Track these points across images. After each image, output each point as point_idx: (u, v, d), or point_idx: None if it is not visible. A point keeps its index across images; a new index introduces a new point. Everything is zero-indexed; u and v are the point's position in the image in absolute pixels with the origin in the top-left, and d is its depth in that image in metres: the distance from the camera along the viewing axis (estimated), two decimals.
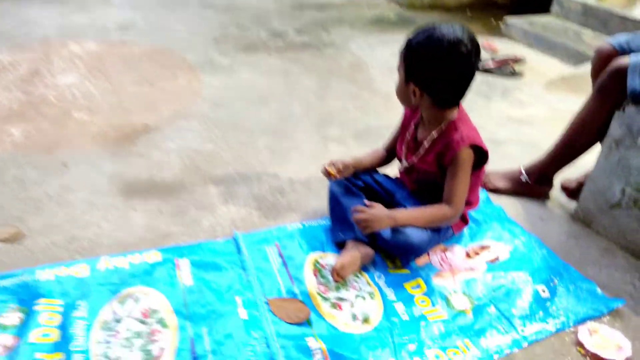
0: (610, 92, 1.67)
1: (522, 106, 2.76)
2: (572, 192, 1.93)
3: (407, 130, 1.59)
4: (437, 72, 1.36)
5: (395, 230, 1.46)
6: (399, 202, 1.60)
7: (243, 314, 1.32)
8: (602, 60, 1.78)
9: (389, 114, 2.50)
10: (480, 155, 1.46)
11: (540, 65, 3.28)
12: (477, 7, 4.48)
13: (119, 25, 3.51)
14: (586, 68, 3.12)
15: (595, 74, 1.84)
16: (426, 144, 1.50)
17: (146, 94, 2.56)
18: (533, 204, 1.89)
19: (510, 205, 1.86)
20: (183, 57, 3.03)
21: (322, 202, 1.79)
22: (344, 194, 1.62)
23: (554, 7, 3.95)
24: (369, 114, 2.51)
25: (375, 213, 1.43)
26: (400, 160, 1.64)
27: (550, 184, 1.91)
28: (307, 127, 2.34)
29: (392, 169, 1.72)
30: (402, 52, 1.43)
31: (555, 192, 1.95)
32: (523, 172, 1.90)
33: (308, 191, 1.88)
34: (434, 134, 1.48)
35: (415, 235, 1.45)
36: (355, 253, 1.48)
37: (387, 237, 1.46)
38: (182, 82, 2.73)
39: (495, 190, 1.91)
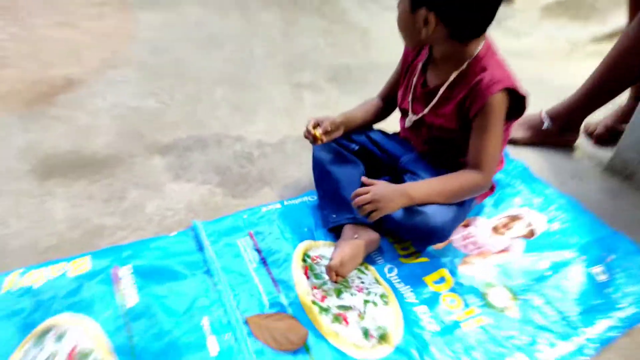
0: None
1: (517, 36, 2.38)
2: (599, 137, 1.60)
3: (412, 74, 1.19)
4: None
5: (409, 209, 1.09)
6: (405, 167, 1.23)
7: (213, 345, 0.94)
8: None
9: (369, 52, 2.08)
10: (516, 102, 1.09)
11: None
12: None
13: None
14: None
15: None
16: (441, 90, 1.11)
17: (67, 40, 2.03)
18: (558, 157, 1.55)
19: (532, 160, 1.52)
20: None
21: (304, 170, 1.39)
22: (334, 161, 1.23)
23: None
24: (345, 52, 2.08)
25: (383, 192, 1.05)
26: (403, 113, 1.25)
27: (577, 131, 1.57)
28: (273, 73, 1.90)
29: (390, 124, 1.33)
30: None
31: (581, 140, 1.61)
32: (546, 118, 1.55)
33: (284, 156, 1.47)
34: (453, 76, 1.09)
35: (438, 214, 1.08)
36: (356, 242, 1.11)
37: (399, 219, 1.09)
38: (113, 22, 2.20)
39: (513, 142, 1.56)
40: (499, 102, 1.06)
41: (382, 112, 1.32)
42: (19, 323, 0.95)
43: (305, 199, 1.30)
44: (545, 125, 1.54)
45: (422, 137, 1.21)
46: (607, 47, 2.32)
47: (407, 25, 1.06)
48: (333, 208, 1.19)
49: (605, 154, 1.56)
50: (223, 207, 1.28)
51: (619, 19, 2.44)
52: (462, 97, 1.09)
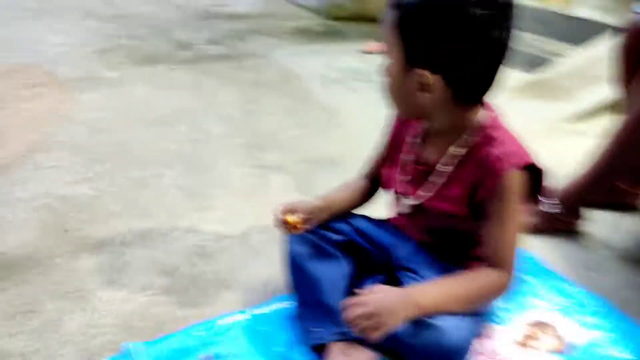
0: None
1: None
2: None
3: (402, 149, 0.98)
4: (462, 42, 0.78)
5: (416, 322, 0.82)
6: (401, 263, 0.97)
7: None
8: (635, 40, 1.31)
9: (340, 132, 1.89)
10: (534, 181, 0.88)
11: None
12: None
13: None
14: (551, 72, 2.77)
15: (632, 58, 1.36)
16: (442, 167, 0.90)
17: None
18: (569, 246, 1.33)
19: (540, 250, 1.29)
20: (53, 73, 2.23)
21: (274, 268, 1.11)
22: (313, 257, 0.96)
23: None
24: (313, 131, 1.88)
25: (383, 302, 0.79)
26: (396, 196, 1.02)
27: (581, 215, 1.38)
28: (233, 153, 1.66)
29: (373, 209, 1.09)
30: (392, 20, 0.83)
31: (596, 227, 1.41)
32: (550, 201, 1.35)
33: (248, 251, 1.19)
34: (456, 149, 0.88)
35: (455, 329, 0.81)
36: None
37: (404, 336, 0.82)
38: (48, 103, 1.94)
39: None
40: (515, 181, 0.85)
41: (368, 194, 1.08)
42: None
43: (278, 305, 1.01)
44: (546, 207, 1.35)
45: (421, 225, 0.98)
46: (585, 126, 2.30)
47: (399, 88, 0.86)
48: (315, 319, 0.91)
49: (619, 236, 1.36)
50: (168, 321, 0.98)
51: (592, 97, 2.39)
52: (470, 175, 0.87)
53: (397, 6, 0.82)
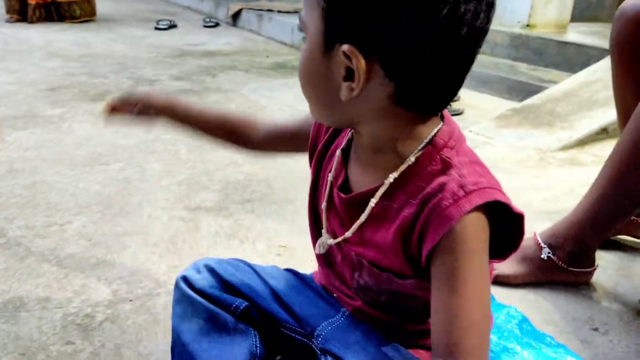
0: None
1: (479, 147, 2.02)
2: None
3: (325, 165, 0.70)
4: (413, 9, 0.50)
5: None
6: (325, 344, 0.68)
7: None
8: (636, 26, 1.07)
9: (297, 164, 1.64)
10: (505, 225, 0.59)
11: (480, 102, 2.62)
12: None
13: None
14: (542, 98, 2.55)
15: (623, 50, 1.12)
16: (373, 201, 0.62)
17: None
18: (568, 299, 1.05)
19: (532, 306, 1.02)
20: None
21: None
22: (206, 335, 0.68)
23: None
24: (267, 166, 1.64)
25: None
26: (315, 229, 0.73)
27: (591, 261, 1.09)
28: (165, 194, 1.41)
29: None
30: None
31: (599, 272, 1.12)
32: (543, 245, 1.07)
33: (149, 318, 0.92)
34: (393, 176, 0.60)
35: None
36: None
37: None
38: None
39: (502, 281, 1.07)
40: (476, 230, 0.56)
41: (252, 141, 0.82)
42: None
43: None
44: (544, 255, 1.07)
45: (347, 277, 0.69)
46: (580, 154, 2.05)
47: (315, 79, 0.58)
48: None
49: (631, 285, 1.09)
50: None
51: (585, 123, 2.15)
52: (411, 214, 0.58)
53: None
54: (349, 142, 0.66)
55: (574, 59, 2.91)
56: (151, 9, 5.81)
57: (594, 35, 3.31)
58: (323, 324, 0.70)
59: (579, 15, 4.52)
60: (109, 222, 1.24)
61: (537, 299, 1.04)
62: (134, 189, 1.43)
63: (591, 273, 1.09)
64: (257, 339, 0.70)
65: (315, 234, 0.72)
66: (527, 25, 3.22)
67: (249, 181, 1.53)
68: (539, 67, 3.05)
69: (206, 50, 3.62)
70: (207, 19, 4.97)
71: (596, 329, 0.96)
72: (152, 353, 0.84)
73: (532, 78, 2.81)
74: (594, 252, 1.08)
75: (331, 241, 0.67)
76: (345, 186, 0.66)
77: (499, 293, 1.02)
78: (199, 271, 0.70)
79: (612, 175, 0.99)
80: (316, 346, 0.69)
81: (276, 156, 1.45)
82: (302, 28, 0.58)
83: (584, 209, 1.04)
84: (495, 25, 3.24)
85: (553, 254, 1.05)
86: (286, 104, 2.39)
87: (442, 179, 0.57)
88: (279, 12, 4.49)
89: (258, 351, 0.70)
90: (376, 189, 0.60)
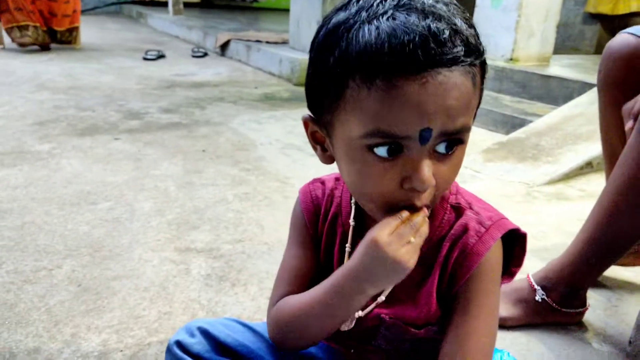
0: None
1: (464, 182, 2.05)
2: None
3: (335, 239, 0.69)
4: None
5: None
6: None
7: None
8: (626, 64, 1.10)
9: (287, 204, 1.65)
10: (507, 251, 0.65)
11: None
12: None
13: None
14: (526, 132, 2.60)
15: (615, 89, 1.15)
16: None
17: None
18: (559, 340, 1.06)
19: (524, 347, 1.02)
20: None
21: None
22: None
23: None
24: (259, 205, 1.64)
25: None
26: None
27: (583, 301, 1.10)
28: (156, 236, 1.40)
29: None
30: None
31: (589, 313, 1.14)
32: (537, 287, 1.08)
33: None
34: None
35: None
36: None
37: None
38: None
39: (499, 323, 1.07)
40: (495, 259, 0.62)
41: None
42: None
43: None
44: (539, 297, 1.08)
45: (375, 343, 0.69)
46: (566, 188, 2.08)
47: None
48: None
49: (620, 325, 1.10)
50: None
51: (570, 157, 2.20)
52: (443, 262, 0.62)
53: None
54: (355, 211, 0.67)
55: (557, 91, 2.98)
56: (139, 38, 5.86)
57: (575, 67, 3.40)
58: None
59: (561, 45, 4.65)
60: (99, 266, 1.23)
61: (529, 341, 1.04)
62: (123, 230, 1.43)
63: (583, 313, 1.10)
64: None
65: None
66: (511, 59, 3.30)
67: (240, 219, 1.53)
68: (523, 99, 3.12)
69: (195, 82, 3.64)
70: (196, 49, 5.02)
71: None
72: None
73: (517, 111, 2.87)
74: (585, 292, 1.09)
75: (360, 313, 0.66)
76: None
77: None
78: (192, 335, 0.69)
79: (601, 220, 1.01)
80: None
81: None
82: None
83: (575, 250, 1.05)
84: None
85: (547, 296, 1.07)
86: (274, 137, 2.41)
87: (461, 222, 0.61)
88: (267, 42, 4.55)
89: None
90: None
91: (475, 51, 0.50)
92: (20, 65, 3.82)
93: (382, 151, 0.51)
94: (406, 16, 0.48)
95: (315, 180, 0.73)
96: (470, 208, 0.62)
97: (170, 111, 2.78)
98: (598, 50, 4.66)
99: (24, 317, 1.04)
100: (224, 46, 4.91)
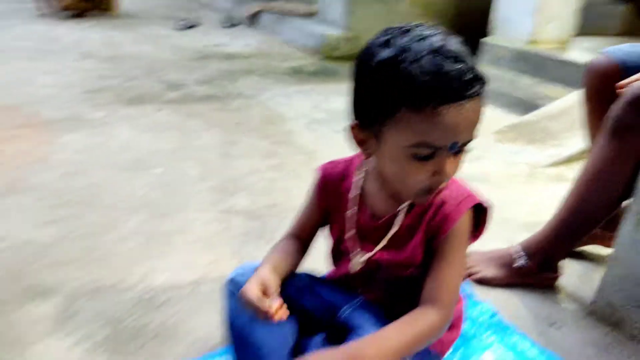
0: (633, 131, 1.15)
1: (471, 160, 2.25)
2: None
3: (344, 205, 0.94)
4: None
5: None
6: (346, 322, 0.93)
7: None
8: (601, 81, 1.29)
9: (311, 173, 1.88)
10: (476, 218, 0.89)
11: None
12: None
13: None
14: (537, 115, 2.76)
15: (593, 100, 1.35)
16: (398, 220, 0.87)
17: None
18: (534, 299, 1.29)
19: (503, 303, 1.26)
20: (38, 114, 2.28)
21: (218, 321, 1.09)
22: (254, 320, 0.91)
23: (483, 55, 3.65)
24: (288, 176, 1.88)
25: None
26: (343, 256, 0.97)
27: (556, 269, 1.33)
28: (202, 198, 1.66)
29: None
30: None
31: (564, 278, 1.36)
32: (519, 253, 1.31)
33: (195, 302, 1.17)
34: (405, 204, 0.87)
35: None
36: None
37: None
38: (26, 145, 1.97)
39: (483, 281, 1.31)
40: (465, 224, 0.86)
41: (302, 255, 1.01)
42: None
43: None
44: (519, 263, 1.31)
45: (374, 282, 0.94)
46: (567, 170, 2.27)
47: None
48: None
49: (588, 288, 1.32)
50: None
51: (575, 141, 2.37)
52: (426, 222, 0.86)
53: None
54: (363, 182, 0.91)
55: (574, 75, 3.11)
56: (171, 5, 6.04)
57: (595, 52, 3.50)
58: (343, 308, 0.94)
59: (585, 26, 4.69)
60: (158, 222, 1.49)
61: (508, 298, 1.28)
62: (173, 192, 1.68)
63: (555, 278, 1.33)
64: (289, 324, 0.94)
65: (337, 259, 0.98)
66: (530, 42, 3.42)
67: (271, 188, 1.77)
68: (539, 82, 3.25)
69: (226, 53, 3.85)
70: (226, 20, 5.19)
71: (553, 324, 1.20)
72: (200, 326, 1.09)
73: (533, 93, 3.02)
74: (557, 262, 1.32)
75: (363, 259, 0.91)
76: (371, 215, 0.91)
77: (478, 291, 1.26)
78: (244, 274, 0.93)
79: (571, 205, 1.23)
80: (338, 323, 0.93)
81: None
82: None
83: (550, 228, 1.28)
84: (499, 40, 3.46)
85: (526, 263, 1.30)
86: (301, 112, 2.62)
87: (441, 197, 0.85)
88: (296, 15, 4.70)
89: (291, 334, 0.93)
90: (395, 211, 0.87)
91: (484, 82, 0.74)
92: (64, 33, 4.06)
93: (422, 156, 0.75)
94: (442, 60, 0.70)
95: (331, 162, 0.98)
96: (448, 187, 0.84)
97: (205, 83, 3.01)
98: (623, 32, 4.69)
99: (102, 259, 1.30)
100: (254, 17, 5.08)
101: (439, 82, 0.70)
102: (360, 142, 0.83)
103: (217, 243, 1.41)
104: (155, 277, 1.24)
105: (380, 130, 0.77)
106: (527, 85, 3.20)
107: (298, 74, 3.43)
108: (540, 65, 3.28)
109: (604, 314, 1.22)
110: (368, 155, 0.84)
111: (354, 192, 0.92)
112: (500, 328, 1.14)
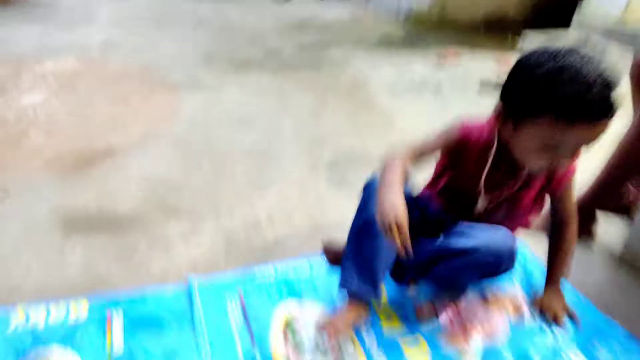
0: None
1: None
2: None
3: (485, 159, 1.11)
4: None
5: (464, 235, 1.10)
6: (454, 229, 1.16)
7: None
8: None
9: (387, 134, 2.18)
10: None
11: None
12: (491, 23, 4.17)
13: (103, 43, 3.27)
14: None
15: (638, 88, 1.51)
16: (523, 171, 1.11)
17: (117, 114, 2.27)
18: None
19: (536, 244, 1.51)
20: (166, 76, 2.76)
21: (303, 242, 1.46)
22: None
23: (575, 22, 3.65)
24: (365, 134, 2.19)
25: (560, 304, 1.25)
26: (471, 198, 1.18)
27: (593, 219, 1.56)
28: (296, 151, 2.02)
29: None
30: None
31: (604, 233, 1.58)
32: None
33: (289, 228, 1.54)
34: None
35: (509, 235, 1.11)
36: (351, 315, 1.13)
37: (472, 245, 1.06)
38: (160, 102, 2.44)
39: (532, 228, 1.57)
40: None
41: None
42: (18, 348, 1.04)
43: (301, 264, 1.35)
44: None
45: (489, 215, 1.17)
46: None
47: None
48: (358, 274, 1.13)
49: (615, 237, 1.53)
50: (224, 268, 1.35)
51: None
52: (547, 177, 1.13)
53: None
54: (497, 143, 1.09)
55: None
56: None
57: None
58: (449, 222, 1.18)
59: None
60: (260, 167, 1.88)
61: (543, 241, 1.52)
62: (273, 144, 2.06)
63: (594, 228, 1.56)
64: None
65: (450, 195, 1.20)
66: (621, 20, 3.39)
67: (353, 145, 2.09)
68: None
69: (319, 23, 4.16)
70: None
71: (578, 262, 1.44)
72: (290, 246, 1.46)
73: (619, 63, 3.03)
74: (595, 212, 1.56)
75: (492, 202, 1.15)
76: (506, 170, 1.11)
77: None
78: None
79: (608, 169, 1.47)
80: (448, 232, 1.15)
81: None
82: None
83: (591, 186, 1.52)
84: (590, 17, 3.46)
85: None
86: (386, 79, 2.89)
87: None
88: None
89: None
90: (523, 166, 1.08)
91: (619, 108, 0.88)
92: (179, 5, 4.58)
93: (546, 149, 0.95)
94: (597, 85, 0.85)
95: (472, 122, 1.12)
96: None
97: (301, 50, 3.35)
98: None
99: (219, 193, 1.71)
100: None
101: (587, 103, 0.85)
102: (499, 121, 1.02)
103: (306, 186, 1.77)
104: (259, 208, 1.63)
105: (520, 121, 0.97)
106: (616, 54, 3.20)
107: (386, 43, 3.67)
108: (629, 42, 3.25)
109: (629, 261, 1.44)
110: (506, 134, 1.02)
111: (489, 152, 1.10)
112: (528, 259, 1.40)
